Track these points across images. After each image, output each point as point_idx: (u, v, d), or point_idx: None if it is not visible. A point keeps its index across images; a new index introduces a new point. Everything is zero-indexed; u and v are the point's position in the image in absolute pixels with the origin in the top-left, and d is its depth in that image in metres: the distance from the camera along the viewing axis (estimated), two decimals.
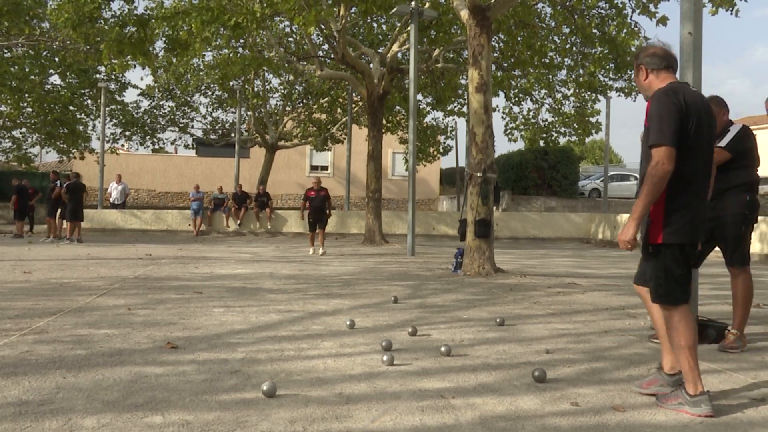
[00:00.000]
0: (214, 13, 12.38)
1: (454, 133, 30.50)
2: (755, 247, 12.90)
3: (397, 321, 5.84)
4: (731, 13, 10.21)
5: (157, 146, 32.50)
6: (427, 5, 16.14)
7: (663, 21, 11.83)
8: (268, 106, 30.90)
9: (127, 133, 31.30)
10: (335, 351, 4.54)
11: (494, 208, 11.27)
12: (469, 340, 5.04)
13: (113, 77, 26.57)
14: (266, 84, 30.16)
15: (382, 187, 20.04)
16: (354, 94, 24.83)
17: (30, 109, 24.77)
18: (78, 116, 27.05)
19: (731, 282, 4.92)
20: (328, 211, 14.25)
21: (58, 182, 17.95)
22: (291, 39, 22.02)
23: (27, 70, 23.02)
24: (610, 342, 5.04)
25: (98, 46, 16.12)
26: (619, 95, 19.52)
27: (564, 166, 28.48)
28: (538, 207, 26.83)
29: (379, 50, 19.62)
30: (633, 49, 15.51)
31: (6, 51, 23.57)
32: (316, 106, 28.82)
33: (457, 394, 3.53)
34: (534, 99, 21.75)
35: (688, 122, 3.28)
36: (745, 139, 4.79)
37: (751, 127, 5.13)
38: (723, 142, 4.76)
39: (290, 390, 3.55)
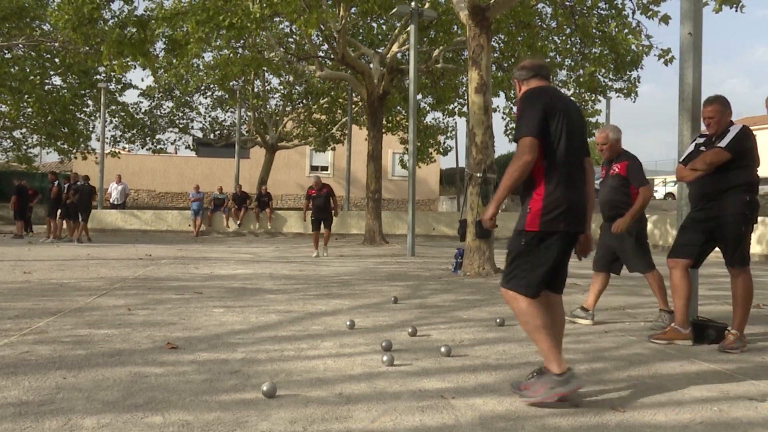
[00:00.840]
0: (209, 13, 12.38)
1: (454, 133, 30.52)
2: (755, 247, 12.90)
3: (397, 321, 5.84)
4: (736, 10, 10.16)
5: (157, 147, 32.51)
6: (427, 5, 16.15)
7: (665, 20, 11.82)
8: (268, 106, 30.91)
9: (128, 135, 31.30)
10: (335, 351, 4.54)
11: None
12: (469, 340, 5.04)
13: (113, 78, 26.57)
14: (266, 84, 30.18)
15: (382, 187, 20.05)
16: (354, 95, 24.83)
17: (30, 110, 24.78)
18: (78, 117, 27.06)
19: (731, 282, 4.92)
20: (334, 210, 13.82)
21: (57, 182, 17.97)
22: (291, 39, 22.02)
23: (27, 70, 23.03)
24: (610, 342, 5.04)
25: (98, 46, 16.13)
26: (618, 96, 19.53)
27: None
28: None
29: (379, 50, 19.62)
30: (633, 48, 15.53)
31: (6, 52, 23.58)
32: (315, 107, 28.83)
33: (457, 394, 3.53)
34: None
35: (555, 118, 3.43)
36: (745, 140, 4.79)
37: (751, 127, 5.14)
38: (723, 143, 4.76)
39: (290, 390, 3.55)
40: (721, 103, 4.92)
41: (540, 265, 3.43)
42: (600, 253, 6.00)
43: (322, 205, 13.64)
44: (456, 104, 23.68)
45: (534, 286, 3.41)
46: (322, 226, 13.68)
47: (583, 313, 5.93)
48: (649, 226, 18.16)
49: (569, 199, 3.44)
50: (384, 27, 21.46)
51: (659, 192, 36.80)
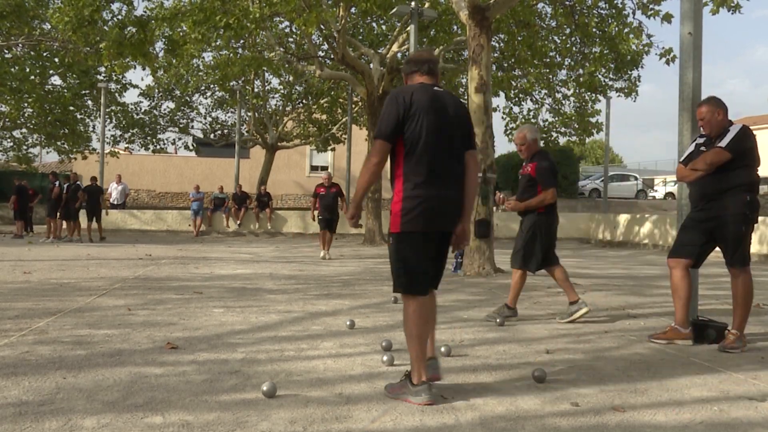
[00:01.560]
0: (206, 13, 12.39)
1: None
2: (755, 247, 12.90)
3: (397, 321, 5.83)
4: (732, 13, 10.18)
5: (157, 147, 32.51)
6: (427, 5, 16.15)
7: (667, 18, 11.82)
8: (268, 106, 30.91)
9: (127, 135, 31.30)
10: (335, 351, 4.54)
11: (494, 208, 11.27)
12: (469, 340, 5.04)
13: (113, 78, 26.59)
14: (266, 84, 30.17)
15: (382, 187, 20.04)
16: (354, 95, 24.83)
17: (30, 110, 24.79)
18: (78, 117, 27.07)
19: (731, 282, 4.92)
20: (343, 209, 13.30)
21: (57, 182, 17.98)
22: (291, 39, 22.03)
23: (27, 70, 23.04)
24: (610, 342, 5.04)
25: (98, 46, 16.14)
26: (618, 95, 19.54)
27: (564, 166, 28.48)
28: None
29: (379, 50, 19.63)
30: (633, 47, 15.53)
31: (6, 51, 23.58)
32: (316, 107, 28.82)
33: (457, 394, 3.53)
34: (534, 99, 21.75)
35: (414, 118, 3.41)
36: (746, 140, 4.79)
37: (751, 127, 5.14)
38: (723, 143, 4.76)
39: (290, 390, 3.55)
40: (711, 104, 4.92)
41: (412, 266, 3.45)
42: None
43: (330, 204, 13.02)
44: None
45: (412, 286, 3.46)
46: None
47: (509, 312, 5.99)
48: (649, 226, 18.26)
49: (430, 196, 3.40)
50: (384, 27, 21.46)
51: (659, 192, 36.85)
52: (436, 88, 3.56)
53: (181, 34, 13.46)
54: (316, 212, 13.47)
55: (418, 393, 3.33)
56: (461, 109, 3.61)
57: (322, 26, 17.75)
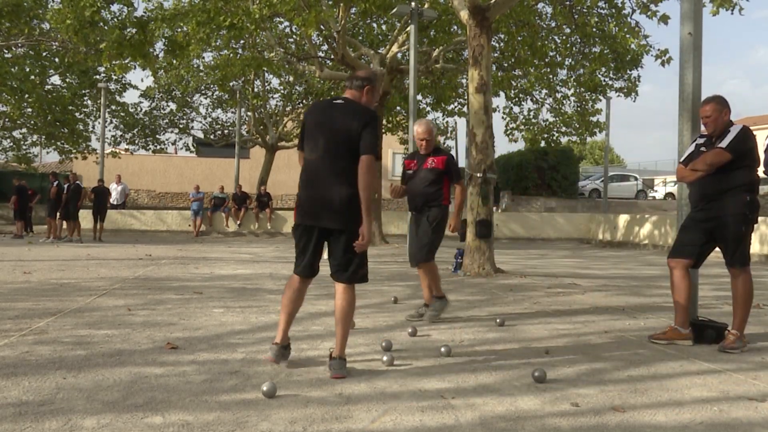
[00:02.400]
0: (210, 14, 12.39)
1: (454, 133, 30.51)
2: (755, 247, 12.90)
3: (397, 321, 5.84)
4: (732, 13, 10.18)
5: (157, 147, 32.52)
6: (426, 5, 16.15)
7: (664, 20, 11.82)
8: (268, 106, 30.90)
9: (128, 136, 31.30)
10: None
11: (494, 208, 11.28)
12: (469, 340, 5.04)
13: (113, 78, 26.59)
14: (266, 84, 30.16)
15: (382, 187, 20.04)
16: None
17: (30, 110, 24.79)
18: (78, 117, 27.07)
19: (731, 282, 4.92)
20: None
21: (57, 182, 17.99)
22: (291, 40, 22.03)
23: (27, 70, 23.04)
24: (610, 342, 5.04)
25: (98, 47, 16.14)
26: (618, 95, 19.54)
27: (564, 166, 28.49)
28: (538, 207, 26.83)
29: (379, 51, 19.62)
30: (633, 47, 15.52)
31: (6, 51, 23.58)
32: None
33: (457, 394, 3.53)
34: (534, 99, 21.75)
35: (306, 130, 4.12)
36: (746, 140, 4.79)
37: (751, 127, 5.13)
38: (724, 143, 4.76)
39: (290, 390, 3.55)
40: (718, 102, 4.92)
41: (298, 251, 4.13)
42: (415, 248, 6.09)
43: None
44: (456, 104, 23.67)
45: (296, 266, 4.14)
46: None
47: (424, 309, 6.00)
48: (649, 226, 18.26)
49: (303, 196, 4.05)
50: (384, 27, 21.46)
51: (659, 192, 36.84)
52: (337, 101, 4.03)
53: (183, 35, 13.45)
54: None
55: (271, 349, 4.07)
56: (355, 117, 3.94)
57: (322, 27, 17.73)
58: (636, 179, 36.12)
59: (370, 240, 3.93)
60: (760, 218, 4.85)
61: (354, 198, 3.88)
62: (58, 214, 17.58)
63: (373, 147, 3.88)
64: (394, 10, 14.72)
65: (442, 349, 4.44)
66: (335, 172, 3.90)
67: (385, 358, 4.14)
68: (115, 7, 14.11)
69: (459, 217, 6.20)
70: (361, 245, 3.91)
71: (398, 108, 24.32)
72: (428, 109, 25.15)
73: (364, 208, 3.87)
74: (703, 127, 5.15)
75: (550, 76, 20.11)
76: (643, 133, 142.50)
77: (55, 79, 26.77)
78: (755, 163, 4.86)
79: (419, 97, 22.31)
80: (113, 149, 29.96)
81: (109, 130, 29.82)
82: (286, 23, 20.20)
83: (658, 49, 13.50)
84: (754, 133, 4.92)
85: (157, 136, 32.29)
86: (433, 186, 6.00)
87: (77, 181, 18.52)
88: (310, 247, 4.05)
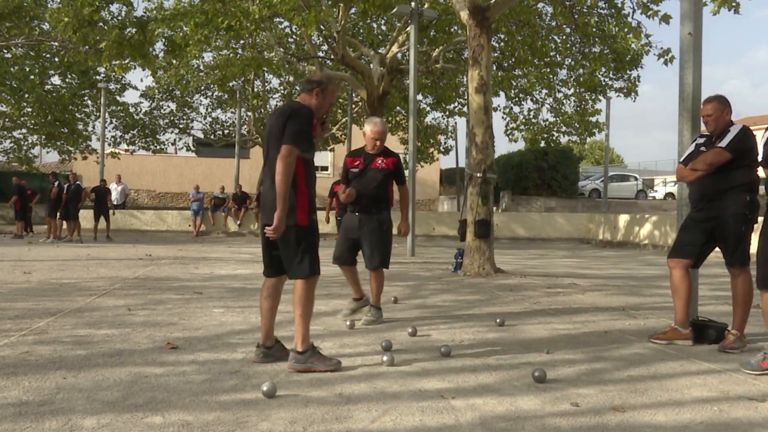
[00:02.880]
0: (208, 15, 12.38)
1: (454, 133, 30.51)
2: (755, 247, 12.87)
3: (397, 321, 5.84)
4: (734, 13, 10.16)
5: (157, 147, 32.52)
6: (426, 5, 16.15)
7: (665, 19, 11.81)
8: (268, 106, 30.90)
9: (127, 136, 31.30)
10: (335, 351, 4.54)
11: (494, 208, 11.27)
12: (469, 340, 5.04)
13: (113, 78, 26.58)
14: (266, 84, 30.16)
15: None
16: (354, 95, 24.82)
17: (30, 110, 24.79)
18: (78, 117, 27.07)
19: (731, 282, 4.92)
20: None
21: (57, 182, 17.99)
22: (291, 40, 22.03)
23: (27, 70, 23.03)
24: (610, 342, 5.04)
25: (98, 47, 16.12)
26: (618, 95, 19.54)
27: (564, 166, 28.48)
28: (538, 207, 26.82)
29: (379, 51, 19.62)
30: (633, 47, 15.52)
31: (6, 51, 23.57)
32: None
33: (457, 394, 3.53)
34: (534, 99, 21.76)
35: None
36: (746, 140, 4.79)
37: (751, 127, 5.13)
38: (723, 143, 4.76)
39: (290, 390, 3.55)
40: (720, 102, 4.92)
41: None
42: (343, 247, 5.93)
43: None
44: (456, 104, 23.68)
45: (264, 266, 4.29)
46: None
47: (354, 303, 6.00)
48: (649, 226, 18.26)
49: (260, 195, 4.40)
50: (384, 27, 21.46)
51: (659, 192, 36.83)
52: (282, 103, 4.07)
53: (182, 35, 13.44)
54: (332, 213, 11.95)
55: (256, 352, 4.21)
56: (279, 115, 4.07)
57: (322, 27, 17.74)
58: (636, 179, 36.11)
59: (280, 229, 3.92)
60: (760, 218, 4.84)
61: (271, 194, 4.01)
62: (58, 214, 17.59)
63: (291, 136, 3.92)
64: (394, 10, 14.72)
65: (442, 349, 4.44)
66: (270, 173, 4.05)
67: (385, 358, 4.14)
68: (114, 7, 14.10)
69: (408, 221, 6.09)
70: (270, 233, 3.95)
71: (398, 108, 24.35)
72: (428, 109, 25.18)
73: (278, 196, 3.89)
74: (703, 127, 5.15)
75: (550, 76, 20.11)
76: (643, 133, 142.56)
77: (55, 80, 26.77)
78: (755, 163, 4.85)
79: (419, 97, 22.32)
80: (113, 149, 29.95)
81: (109, 130, 29.83)
82: (286, 23, 20.20)
83: (661, 48, 13.49)
84: (754, 133, 4.92)
85: (157, 136, 32.28)
86: (383, 188, 5.82)
87: (77, 182, 18.53)
88: (263, 247, 4.22)
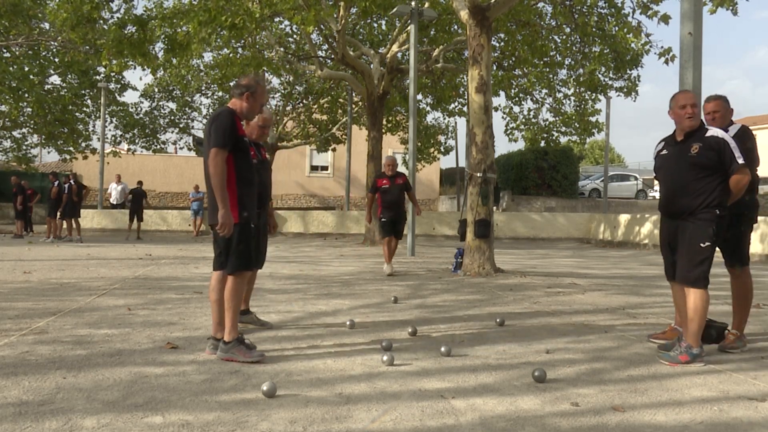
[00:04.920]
0: (211, 13, 12.37)
1: (454, 133, 30.51)
2: (755, 247, 12.88)
3: (397, 321, 5.84)
4: (733, 13, 10.16)
5: (158, 147, 32.50)
6: (426, 5, 16.14)
7: (665, 19, 11.81)
8: (268, 106, 30.90)
9: (128, 135, 31.27)
10: (335, 351, 4.54)
11: (494, 208, 11.27)
12: (469, 340, 5.04)
13: (113, 77, 26.55)
14: (266, 84, 30.14)
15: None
16: (354, 95, 24.82)
17: (30, 110, 24.78)
18: (78, 117, 27.05)
19: (731, 282, 4.92)
20: (416, 209, 10.87)
21: (57, 182, 18.00)
22: (291, 39, 22.03)
23: (26, 69, 23.02)
24: (610, 342, 5.04)
25: (98, 46, 16.12)
26: (618, 95, 19.53)
27: (564, 166, 28.47)
28: (538, 207, 26.82)
29: (379, 50, 19.62)
30: (633, 46, 15.51)
31: (5, 51, 23.56)
32: (316, 107, 28.83)
33: (457, 394, 3.53)
34: (534, 98, 21.76)
35: None
36: (745, 139, 4.78)
37: (751, 127, 5.13)
38: (740, 158, 4.73)
39: (290, 390, 3.55)
40: (724, 101, 4.92)
41: None
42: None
43: (396, 200, 9.94)
44: (456, 104, 23.67)
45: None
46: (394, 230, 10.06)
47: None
48: (649, 226, 18.26)
49: None
50: (384, 27, 21.46)
51: (659, 192, 36.76)
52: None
53: (184, 34, 13.43)
54: (376, 210, 10.35)
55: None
56: (208, 122, 4.29)
57: (322, 26, 17.73)
58: (636, 179, 36.10)
59: (227, 226, 4.11)
60: (760, 218, 4.84)
61: (212, 196, 4.20)
62: (58, 213, 17.60)
63: (216, 140, 4.13)
64: (394, 9, 14.72)
65: (442, 349, 4.44)
66: (207, 177, 4.25)
67: (385, 358, 4.14)
68: (114, 5, 14.08)
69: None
70: (221, 233, 4.14)
71: (398, 108, 24.34)
72: (428, 109, 25.18)
73: (217, 197, 4.11)
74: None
75: (550, 76, 20.10)
76: (643, 133, 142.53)
77: (55, 79, 26.77)
78: (754, 163, 4.85)
79: (419, 96, 22.32)
80: (113, 148, 29.94)
81: (110, 130, 29.82)
82: (287, 22, 20.21)
83: (661, 47, 13.49)
84: (754, 133, 4.92)
85: (158, 135, 32.27)
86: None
87: (75, 181, 18.52)
88: (213, 243, 4.52)
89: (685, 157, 4.41)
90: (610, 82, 19.02)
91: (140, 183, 20.65)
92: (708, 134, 4.44)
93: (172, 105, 32.09)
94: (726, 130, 4.82)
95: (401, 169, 14.37)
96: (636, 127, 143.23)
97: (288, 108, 30.87)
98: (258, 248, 5.16)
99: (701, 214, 4.36)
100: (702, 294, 4.41)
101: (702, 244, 4.37)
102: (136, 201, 19.56)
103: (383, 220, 10.03)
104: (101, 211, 23.36)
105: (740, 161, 4.36)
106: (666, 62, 12.36)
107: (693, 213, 4.38)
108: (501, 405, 3.34)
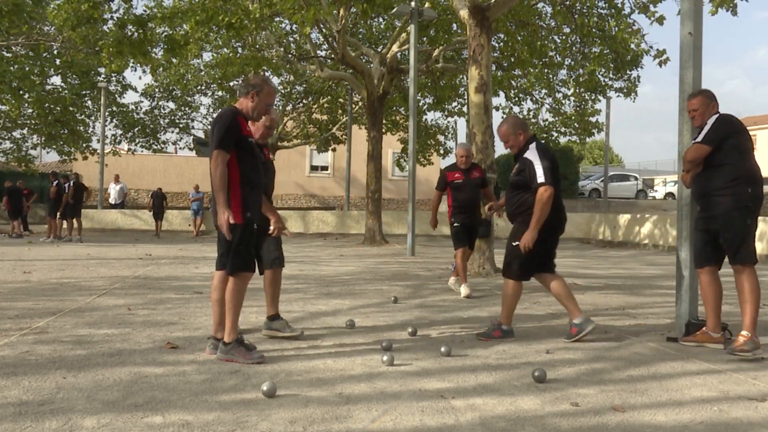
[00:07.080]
0: (209, 13, 12.36)
1: (453, 133, 30.50)
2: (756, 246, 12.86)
3: (397, 321, 5.84)
4: (733, 14, 10.16)
5: (157, 147, 32.49)
6: (426, 5, 16.15)
7: (660, 20, 11.81)
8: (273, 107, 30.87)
9: (129, 135, 31.27)
10: (335, 351, 4.54)
11: None
12: (469, 340, 5.04)
13: (113, 78, 26.54)
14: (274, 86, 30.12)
15: (382, 187, 20.05)
16: (354, 94, 24.81)
17: (30, 110, 24.77)
18: (78, 117, 27.04)
19: (736, 280, 4.70)
20: (488, 208, 6.48)
21: (57, 182, 18.01)
22: (291, 39, 22.04)
23: (26, 69, 23.00)
24: (610, 342, 5.04)
25: (98, 46, 16.10)
26: (618, 95, 19.54)
27: (564, 166, 28.51)
28: None
29: (379, 50, 19.62)
30: (633, 47, 15.52)
31: (5, 51, 23.55)
32: (316, 107, 28.82)
33: (457, 394, 3.53)
34: (534, 99, 21.76)
35: None
36: (721, 127, 4.63)
37: (751, 128, 5.10)
38: (700, 137, 4.66)
39: (290, 390, 3.55)
40: (705, 96, 4.83)
41: None
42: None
43: (471, 198, 7.78)
44: (456, 104, 23.67)
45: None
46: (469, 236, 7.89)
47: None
48: (650, 226, 18.26)
49: None
50: (384, 26, 21.46)
51: (659, 192, 36.81)
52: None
53: (182, 33, 13.42)
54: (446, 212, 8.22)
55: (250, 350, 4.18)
56: (211, 124, 4.32)
57: (322, 26, 17.73)
58: (636, 179, 36.11)
59: (223, 225, 4.07)
60: (760, 218, 4.76)
61: (212, 198, 4.24)
62: (58, 213, 17.60)
63: (216, 142, 4.13)
64: (394, 10, 14.72)
65: (442, 349, 4.44)
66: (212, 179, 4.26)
67: (385, 358, 4.14)
68: (113, 4, 14.06)
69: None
70: (225, 234, 4.09)
71: (397, 107, 24.33)
72: (426, 109, 25.17)
73: (216, 199, 4.12)
74: None
75: (550, 76, 20.10)
76: (643, 133, 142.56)
77: (56, 80, 26.76)
78: (747, 152, 4.66)
79: (419, 96, 22.32)
80: (113, 148, 29.93)
81: (110, 129, 29.81)
82: (286, 22, 20.20)
83: (656, 50, 13.50)
84: (754, 133, 4.87)
85: (158, 135, 32.26)
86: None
87: (74, 181, 18.51)
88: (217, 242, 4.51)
89: None
90: (609, 83, 19.02)
91: (160, 189, 22.10)
92: None
93: (172, 105, 32.10)
94: (704, 125, 4.73)
95: (402, 171, 14.01)
96: (636, 127, 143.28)
97: (288, 108, 30.88)
98: (268, 248, 5.21)
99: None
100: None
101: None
102: (157, 203, 21.12)
103: (456, 225, 7.77)
104: (100, 210, 23.36)
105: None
106: (660, 64, 12.34)
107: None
108: (501, 405, 3.34)
